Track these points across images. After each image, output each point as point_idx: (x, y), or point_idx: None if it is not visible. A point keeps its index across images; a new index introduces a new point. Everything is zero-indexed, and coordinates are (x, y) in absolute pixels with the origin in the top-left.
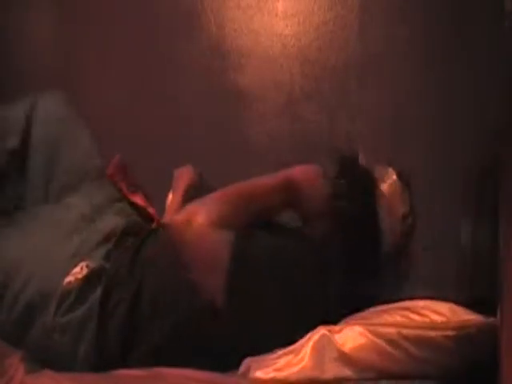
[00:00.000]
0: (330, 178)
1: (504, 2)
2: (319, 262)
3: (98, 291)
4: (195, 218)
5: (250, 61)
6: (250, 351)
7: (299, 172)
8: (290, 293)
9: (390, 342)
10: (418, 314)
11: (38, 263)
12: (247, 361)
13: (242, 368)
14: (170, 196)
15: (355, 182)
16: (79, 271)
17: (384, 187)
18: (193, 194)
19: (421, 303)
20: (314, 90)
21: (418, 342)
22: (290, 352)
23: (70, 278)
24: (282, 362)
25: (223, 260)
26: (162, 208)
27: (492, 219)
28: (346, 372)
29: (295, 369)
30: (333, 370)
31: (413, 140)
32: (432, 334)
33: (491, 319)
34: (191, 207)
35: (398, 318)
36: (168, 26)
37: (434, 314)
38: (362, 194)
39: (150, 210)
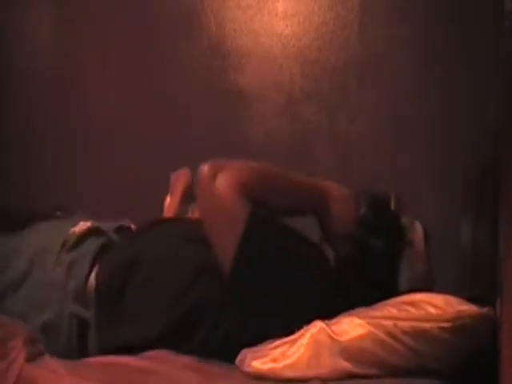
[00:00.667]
0: (361, 207)
1: (504, 2)
2: (328, 277)
3: (100, 240)
4: (219, 176)
5: (250, 61)
6: (246, 331)
7: (333, 187)
8: (291, 291)
9: (388, 333)
10: (415, 306)
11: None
12: (244, 351)
13: (238, 358)
14: (168, 199)
15: (384, 221)
16: (84, 224)
17: (411, 239)
18: (190, 196)
19: (417, 296)
20: (314, 90)
21: (414, 334)
22: (286, 343)
23: (75, 228)
24: (277, 352)
25: (238, 227)
26: (160, 209)
27: (492, 219)
28: (344, 363)
29: (291, 360)
30: (329, 361)
31: (413, 140)
32: (427, 325)
33: (486, 309)
34: (219, 163)
35: (395, 311)
36: (168, 26)
37: (430, 307)
38: (388, 235)
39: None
